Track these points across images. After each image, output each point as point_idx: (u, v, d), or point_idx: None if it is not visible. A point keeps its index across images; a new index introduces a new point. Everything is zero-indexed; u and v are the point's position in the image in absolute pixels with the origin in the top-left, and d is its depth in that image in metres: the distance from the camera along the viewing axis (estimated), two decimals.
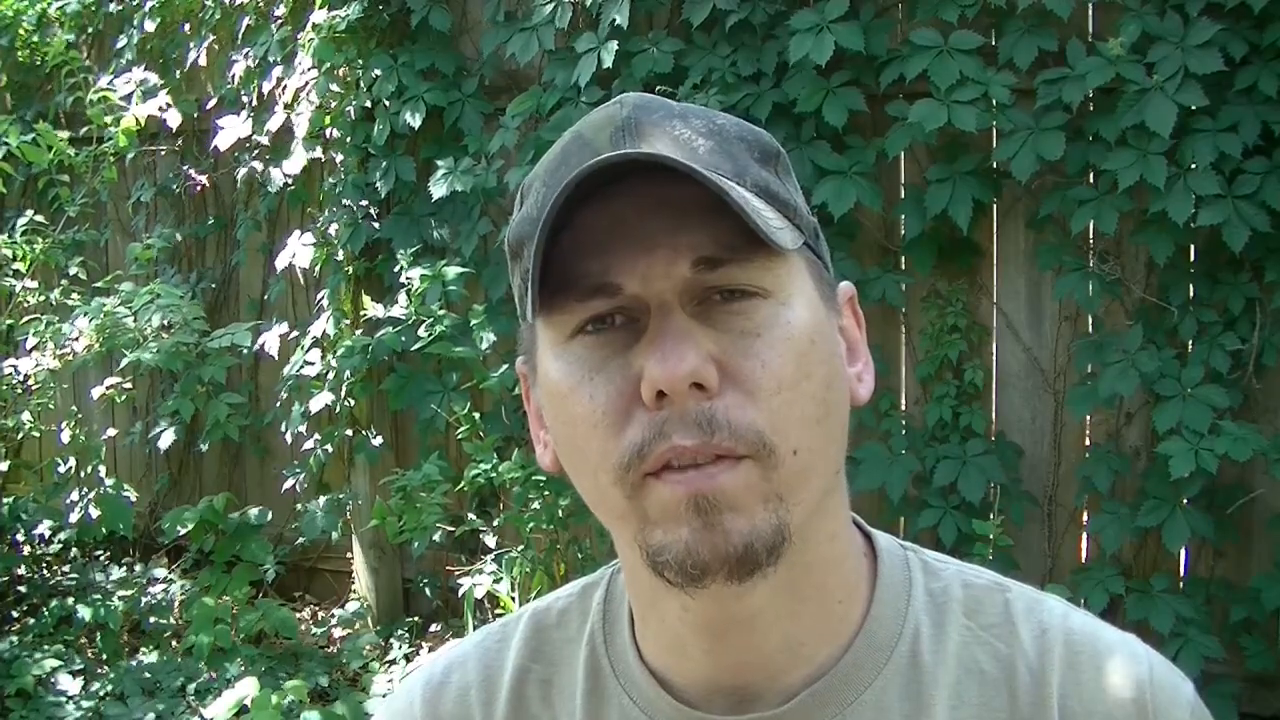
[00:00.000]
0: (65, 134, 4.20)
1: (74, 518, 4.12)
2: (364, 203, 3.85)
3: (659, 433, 0.71)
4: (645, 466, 0.72)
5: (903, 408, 3.30)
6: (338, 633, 4.10)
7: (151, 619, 4.09)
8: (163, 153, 4.56)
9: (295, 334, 4.01)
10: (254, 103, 4.09)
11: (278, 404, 4.02)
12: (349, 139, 3.83)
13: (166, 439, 4.21)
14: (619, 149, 0.74)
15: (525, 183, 0.80)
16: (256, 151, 4.13)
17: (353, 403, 3.88)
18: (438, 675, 0.90)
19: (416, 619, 4.02)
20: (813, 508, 0.75)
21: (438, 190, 3.54)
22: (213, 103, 4.28)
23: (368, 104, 3.78)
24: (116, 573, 4.39)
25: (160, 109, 4.19)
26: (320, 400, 3.79)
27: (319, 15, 3.75)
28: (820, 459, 0.75)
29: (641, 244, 0.72)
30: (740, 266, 0.73)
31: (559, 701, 0.85)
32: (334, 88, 3.81)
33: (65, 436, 4.23)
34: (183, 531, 3.95)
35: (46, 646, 3.91)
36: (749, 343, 0.72)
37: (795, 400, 0.73)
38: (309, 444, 3.94)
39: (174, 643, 3.99)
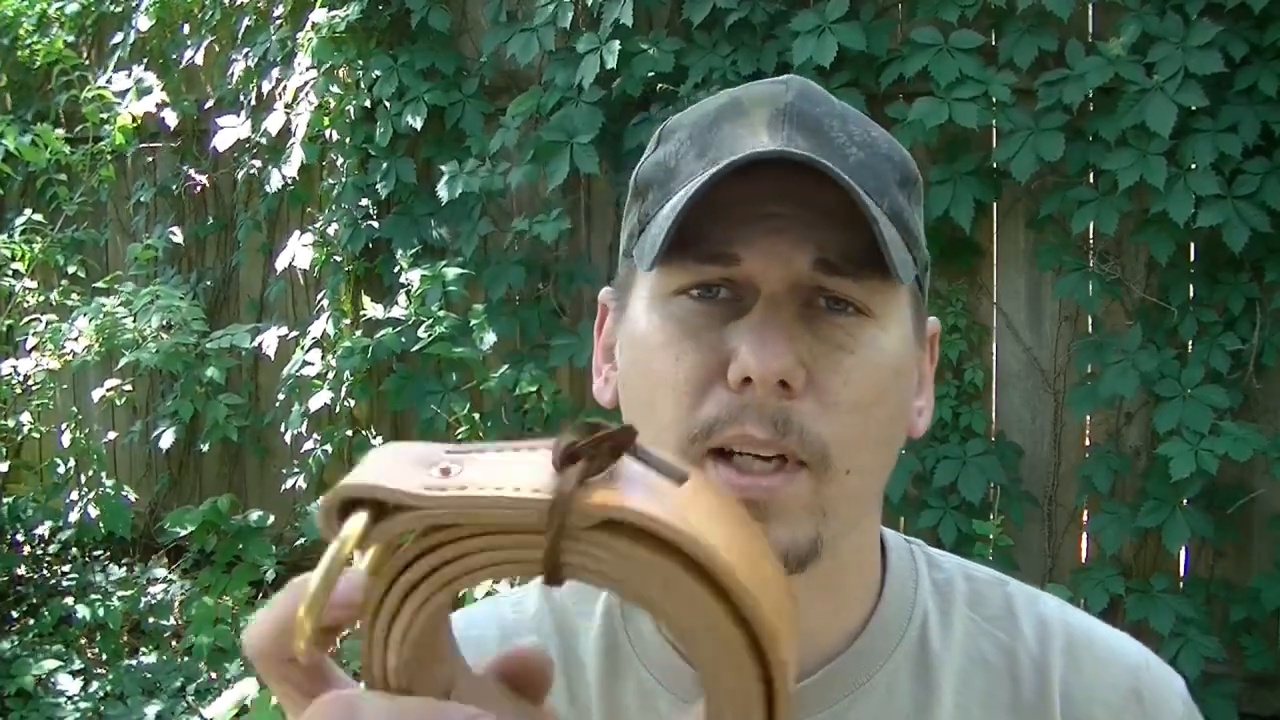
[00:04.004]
0: (62, 132, 4.20)
1: (73, 518, 4.12)
2: (364, 203, 3.85)
3: (735, 417, 0.71)
4: (711, 443, 0.72)
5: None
6: None
7: (151, 619, 4.08)
8: (162, 153, 4.56)
9: (295, 334, 4.02)
10: (253, 103, 4.09)
11: (277, 404, 4.02)
12: (349, 140, 3.83)
13: (166, 439, 4.21)
14: (775, 133, 0.74)
15: (667, 127, 0.80)
16: (256, 151, 4.13)
17: (353, 403, 3.88)
18: (458, 628, 0.89)
19: None
20: (850, 526, 0.77)
21: (446, 195, 3.53)
22: (211, 102, 4.28)
23: (368, 104, 3.78)
24: (116, 573, 4.39)
25: (156, 105, 4.19)
26: (320, 400, 3.79)
27: (318, 15, 3.75)
28: (869, 483, 0.77)
29: (769, 226, 0.72)
30: (856, 281, 0.73)
31: (575, 672, 0.85)
32: (334, 89, 3.81)
33: (65, 438, 4.22)
34: (184, 533, 3.94)
35: (46, 646, 3.91)
36: (840, 357, 0.73)
37: (865, 423, 0.74)
38: (309, 444, 3.94)
39: (174, 643, 3.99)
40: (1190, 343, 2.93)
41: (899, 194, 0.77)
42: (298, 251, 3.92)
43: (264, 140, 4.05)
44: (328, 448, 3.92)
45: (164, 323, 3.93)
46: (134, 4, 4.36)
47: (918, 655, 0.82)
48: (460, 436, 3.40)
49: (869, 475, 0.76)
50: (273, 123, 3.96)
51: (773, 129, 0.74)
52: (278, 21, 4.04)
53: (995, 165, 3.03)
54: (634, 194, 0.80)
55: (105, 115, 4.18)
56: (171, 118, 4.27)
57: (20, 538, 4.46)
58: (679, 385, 0.73)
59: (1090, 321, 3.15)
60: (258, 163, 4.13)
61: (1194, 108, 2.77)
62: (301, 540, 4.04)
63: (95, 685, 3.72)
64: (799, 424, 0.71)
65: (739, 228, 0.73)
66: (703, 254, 0.73)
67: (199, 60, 4.23)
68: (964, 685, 0.81)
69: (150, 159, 4.57)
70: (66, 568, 4.42)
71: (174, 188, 4.50)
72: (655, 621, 0.83)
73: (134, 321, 3.89)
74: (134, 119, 4.18)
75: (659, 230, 0.72)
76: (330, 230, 3.90)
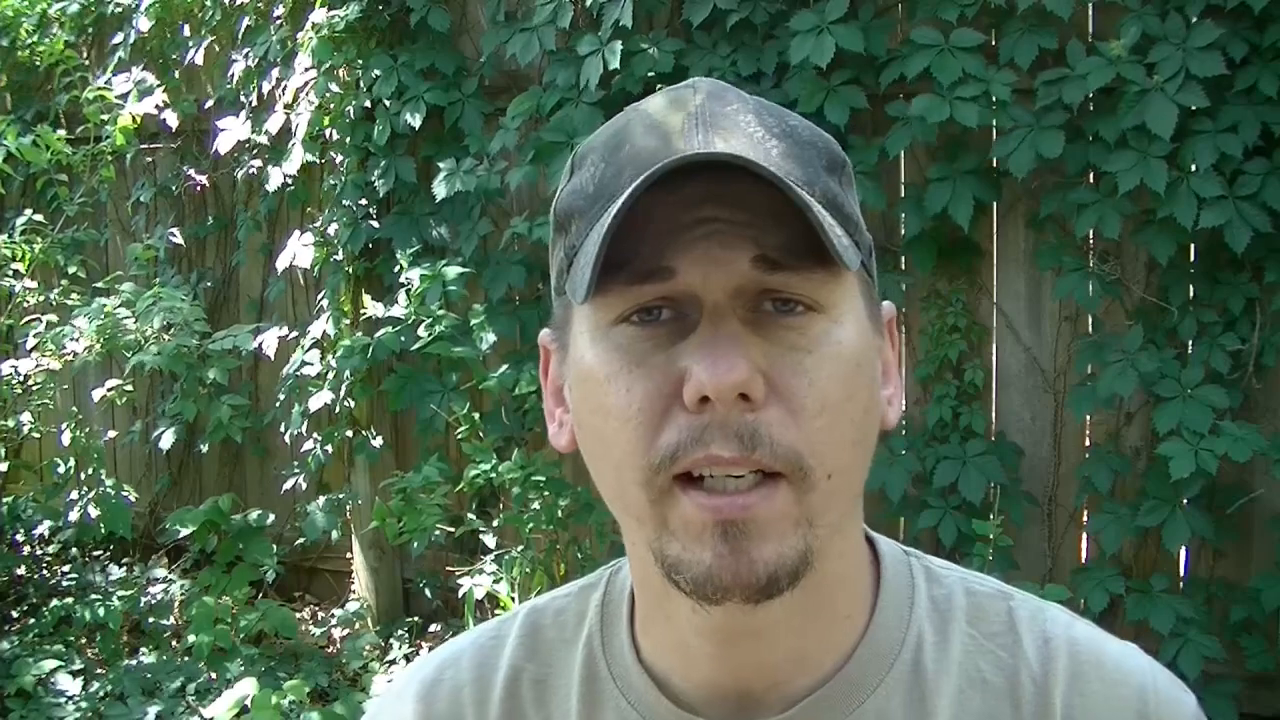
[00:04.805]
0: (63, 133, 4.20)
1: (73, 518, 4.12)
2: (364, 203, 3.85)
3: (697, 439, 0.69)
4: (675, 469, 0.69)
5: (903, 408, 3.30)
6: (338, 633, 4.10)
7: (151, 619, 4.08)
8: (162, 153, 4.56)
9: (295, 334, 4.02)
10: (254, 103, 4.09)
11: (277, 404, 4.03)
12: (349, 139, 3.83)
13: (167, 440, 4.21)
14: (690, 138, 0.71)
15: (579, 153, 0.77)
16: (256, 151, 4.14)
17: (352, 403, 3.88)
18: (431, 673, 0.89)
19: (416, 619, 4.02)
20: (835, 530, 0.74)
21: (441, 191, 3.54)
22: (211, 103, 4.29)
23: (368, 104, 3.78)
24: (116, 573, 4.39)
25: (157, 107, 4.19)
26: (320, 400, 3.79)
27: (318, 15, 3.75)
28: (851, 482, 0.74)
29: (702, 232, 0.69)
30: (800, 276, 0.70)
31: (553, 703, 0.84)
32: (334, 88, 3.81)
33: (65, 438, 4.23)
34: (185, 532, 3.94)
35: (46, 646, 3.91)
36: (799, 358, 0.70)
37: (836, 423, 0.71)
38: (309, 444, 3.94)
39: (174, 643, 3.98)
40: (1190, 343, 2.93)
41: (829, 180, 0.74)
42: (298, 251, 3.92)
43: (264, 140, 4.05)
44: (328, 448, 3.93)
45: (165, 324, 3.93)
46: (134, 4, 4.36)
47: (911, 678, 0.79)
48: (460, 436, 3.40)
49: (849, 475, 0.73)
50: (273, 123, 3.96)
51: (687, 135, 0.71)
52: (278, 22, 4.04)
53: (995, 163, 3.02)
54: (556, 227, 0.77)
55: (106, 116, 4.18)
56: (172, 118, 4.27)
57: (20, 538, 4.46)
58: (633, 417, 0.70)
59: (1090, 321, 3.14)
60: (258, 163, 4.13)
61: (1194, 108, 2.77)
62: (301, 540, 4.04)
63: (95, 685, 3.72)
64: (767, 435, 0.68)
65: (670, 238, 0.69)
66: (636, 274, 0.69)
67: (199, 60, 4.23)
68: (961, 708, 0.78)
69: (150, 159, 4.57)
70: (66, 568, 4.42)
71: (174, 188, 4.50)
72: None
73: (135, 323, 3.89)
74: (134, 120, 4.18)
75: (587, 259, 0.68)
76: (330, 230, 3.90)
